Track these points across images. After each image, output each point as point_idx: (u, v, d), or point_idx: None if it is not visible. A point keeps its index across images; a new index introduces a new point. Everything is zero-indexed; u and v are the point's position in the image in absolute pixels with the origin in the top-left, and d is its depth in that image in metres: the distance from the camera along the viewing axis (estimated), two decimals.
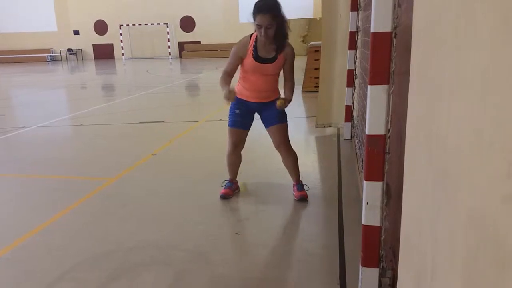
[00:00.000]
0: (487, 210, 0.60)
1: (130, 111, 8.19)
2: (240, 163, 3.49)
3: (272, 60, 3.10)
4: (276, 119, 3.25)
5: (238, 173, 3.56)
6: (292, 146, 3.38)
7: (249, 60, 3.09)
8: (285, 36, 3.10)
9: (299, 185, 3.42)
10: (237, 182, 3.56)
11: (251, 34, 3.12)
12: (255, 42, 3.08)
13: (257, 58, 3.08)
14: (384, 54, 1.77)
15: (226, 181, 3.54)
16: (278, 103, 3.06)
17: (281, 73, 3.25)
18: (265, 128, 3.32)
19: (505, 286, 0.54)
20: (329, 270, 2.42)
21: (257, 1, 2.98)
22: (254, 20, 2.95)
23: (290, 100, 3.12)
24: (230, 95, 2.93)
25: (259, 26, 2.94)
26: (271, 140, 3.36)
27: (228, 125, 3.32)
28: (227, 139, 3.37)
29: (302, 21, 27.06)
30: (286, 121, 3.30)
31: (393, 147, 1.90)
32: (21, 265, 2.58)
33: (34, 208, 3.49)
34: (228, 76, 3.11)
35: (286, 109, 3.24)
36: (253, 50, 3.07)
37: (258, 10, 2.93)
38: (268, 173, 4.03)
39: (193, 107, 9.24)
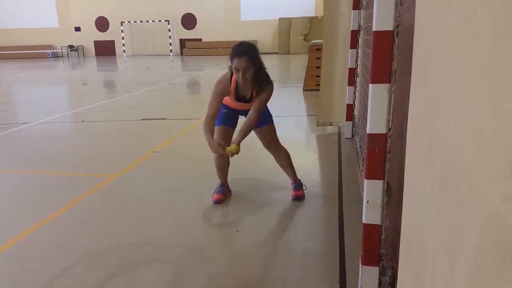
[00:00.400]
0: (488, 210, 0.60)
1: (131, 108, 8.20)
2: (228, 165, 3.43)
3: (250, 100, 3.17)
4: (263, 121, 3.26)
5: (237, 173, 3.56)
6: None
7: (231, 98, 3.17)
8: (264, 79, 3.09)
9: (296, 184, 3.42)
10: (228, 185, 3.50)
11: (231, 75, 3.10)
12: (236, 83, 3.10)
13: (238, 97, 3.16)
14: (386, 53, 1.77)
15: (217, 186, 3.47)
16: (229, 151, 2.98)
17: None
18: (253, 130, 3.31)
19: (506, 286, 0.54)
20: (329, 268, 2.42)
21: (235, 45, 3.03)
22: (232, 62, 2.99)
23: (240, 140, 3.03)
24: (215, 148, 2.96)
25: (236, 70, 2.96)
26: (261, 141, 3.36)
27: (216, 125, 3.29)
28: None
29: (303, 19, 27.01)
30: (272, 121, 3.35)
31: (394, 146, 1.90)
32: (20, 261, 2.58)
33: (34, 204, 3.49)
34: (213, 120, 3.08)
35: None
36: (234, 91, 3.13)
37: (234, 53, 2.96)
38: (269, 172, 4.03)
39: (194, 104, 9.24)
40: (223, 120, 3.29)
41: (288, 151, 3.44)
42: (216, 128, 3.23)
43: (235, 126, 3.36)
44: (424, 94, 1.06)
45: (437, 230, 0.89)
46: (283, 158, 3.41)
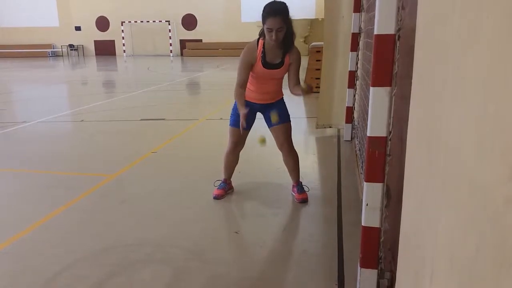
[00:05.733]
0: (488, 213, 0.61)
1: (130, 108, 8.20)
2: (236, 164, 3.49)
3: (279, 65, 3.10)
4: (280, 119, 3.25)
5: (237, 173, 3.57)
6: None
7: (258, 65, 3.08)
8: (292, 38, 3.09)
9: (299, 186, 3.42)
10: (231, 182, 3.56)
11: (258, 40, 3.09)
12: (263, 47, 3.06)
13: (265, 64, 3.07)
14: (387, 56, 1.77)
15: (220, 181, 3.53)
16: (305, 88, 3.02)
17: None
18: (268, 127, 3.32)
19: None
20: (328, 270, 2.42)
21: (267, 4, 2.94)
22: (264, 23, 2.93)
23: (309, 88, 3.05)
24: (242, 116, 2.94)
25: (269, 30, 2.91)
26: (274, 140, 3.35)
27: (230, 125, 3.32)
28: (228, 138, 3.37)
29: (304, 21, 27.01)
30: (290, 120, 3.30)
31: (394, 149, 1.90)
32: (19, 260, 2.58)
33: (32, 203, 3.49)
34: (242, 89, 3.09)
35: (288, 109, 3.27)
36: (261, 56, 3.06)
37: (268, 13, 2.90)
38: (268, 173, 4.04)
39: (194, 105, 9.25)
40: (238, 122, 3.24)
41: None
42: (231, 129, 3.31)
43: (251, 125, 3.34)
44: (425, 97, 1.07)
45: (436, 233, 0.89)
46: (293, 161, 3.38)
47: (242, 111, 2.96)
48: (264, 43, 3.06)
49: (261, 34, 3.06)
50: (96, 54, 31.94)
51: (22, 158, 4.81)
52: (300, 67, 3.25)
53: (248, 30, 28.74)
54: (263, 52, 3.06)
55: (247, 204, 3.41)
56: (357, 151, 4.20)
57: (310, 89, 3.03)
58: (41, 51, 30.74)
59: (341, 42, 5.20)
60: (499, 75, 0.58)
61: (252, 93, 3.20)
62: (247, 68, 3.09)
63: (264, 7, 2.93)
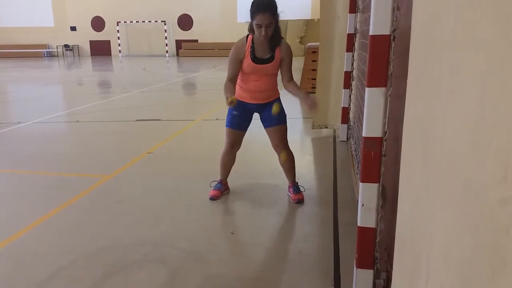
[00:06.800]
0: (483, 212, 0.61)
1: (126, 109, 8.17)
2: (233, 164, 3.47)
3: (270, 60, 3.09)
4: (276, 120, 3.24)
5: (233, 174, 3.56)
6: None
7: (247, 61, 3.08)
8: (279, 33, 3.09)
9: (295, 186, 3.42)
10: (227, 183, 3.55)
11: (247, 36, 3.11)
12: (252, 43, 3.07)
13: (254, 59, 3.07)
14: (382, 57, 1.78)
15: (216, 182, 3.52)
16: (309, 104, 2.95)
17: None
18: (264, 128, 3.31)
19: None
20: (324, 271, 2.42)
21: (254, 1, 2.94)
22: (253, 19, 2.92)
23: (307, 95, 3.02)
24: (232, 103, 2.88)
25: (259, 26, 2.91)
26: (269, 141, 3.35)
27: (226, 125, 3.31)
28: (224, 138, 3.36)
29: (299, 22, 27.06)
30: (286, 122, 3.29)
31: (389, 149, 1.91)
32: (14, 261, 2.57)
33: (28, 204, 3.47)
34: (231, 83, 3.08)
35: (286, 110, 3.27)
36: (250, 52, 3.06)
37: (257, 9, 2.89)
38: (263, 174, 4.04)
39: (190, 106, 9.23)
40: (234, 123, 3.26)
41: None
42: (227, 130, 3.30)
43: (247, 128, 3.34)
44: (420, 97, 1.07)
45: (432, 233, 0.90)
46: (288, 161, 3.37)
47: (229, 94, 2.91)
48: (253, 38, 3.06)
49: (250, 30, 3.06)
50: (92, 54, 31.83)
51: (17, 158, 4.79)
52: (296, 68, 3.24)
53: (244, 30, 28.22)
54: (252, 47, 3.06)
55: (243, 205, 3.40)
56: (353, 152, 4.21)
57: (314, 105, 2.95)
58: (36, 51, 30.61)
59: (337, 42, 5.21)
60: (495, 76, 0.58)
61: (246, 93, 3.19)
62: (236, 64, 3.09)
63: (252, 3, 2.93)
